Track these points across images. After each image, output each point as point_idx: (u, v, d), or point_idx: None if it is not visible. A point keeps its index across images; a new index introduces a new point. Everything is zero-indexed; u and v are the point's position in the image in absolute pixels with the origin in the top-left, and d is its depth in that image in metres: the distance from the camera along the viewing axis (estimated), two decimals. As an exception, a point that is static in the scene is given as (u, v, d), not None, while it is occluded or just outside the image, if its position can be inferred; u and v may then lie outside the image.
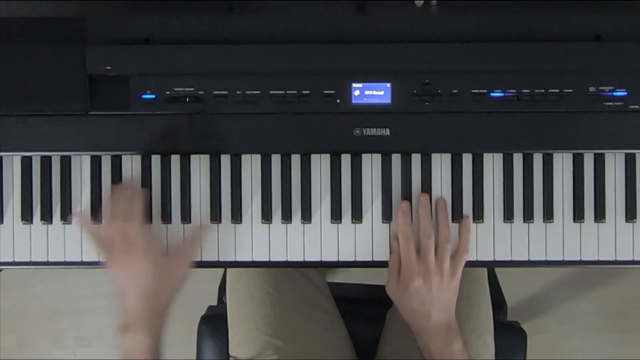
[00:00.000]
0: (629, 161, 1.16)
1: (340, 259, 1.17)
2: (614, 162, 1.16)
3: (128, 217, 1.09)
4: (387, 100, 1.13)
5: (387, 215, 1.16)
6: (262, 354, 1.23)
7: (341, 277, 1.89)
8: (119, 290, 1.09)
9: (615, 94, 1.13)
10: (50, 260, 1.17)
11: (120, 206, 1.10)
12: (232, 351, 1.27)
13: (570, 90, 1.13)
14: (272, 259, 1.17)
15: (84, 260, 1.17)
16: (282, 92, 1.13)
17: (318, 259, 1.17)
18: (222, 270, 1.41)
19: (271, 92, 1.13)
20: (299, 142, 1.14)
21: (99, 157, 1.16)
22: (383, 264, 1.16)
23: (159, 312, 1.10)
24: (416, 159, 1.16)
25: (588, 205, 1.16)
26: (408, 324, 1.15)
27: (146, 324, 1.08)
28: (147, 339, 1.08)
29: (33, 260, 1.17)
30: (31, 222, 1.17)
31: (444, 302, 1.12)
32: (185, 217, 1.16)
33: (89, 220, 1.14)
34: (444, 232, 1.13)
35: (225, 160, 1.16)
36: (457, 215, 1.16)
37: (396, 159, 1.16)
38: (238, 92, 1.13)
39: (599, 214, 1.16)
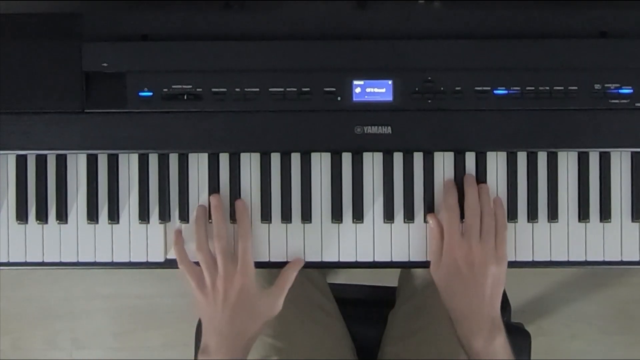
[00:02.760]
0: (635, 160, 1.15)
1: (341, 260, 1.16)
2: (620, 161, 1.15)
3: (241, 234, 1.11)
4: (389, 97, 1.12)
5: (388, 215, 1.15)
6: (263, 355, 1.22)
7: (342, 278, 1.89)
8: (209, 317, 1.09)
9: (621, 91, 1.12)
10: (45, 260, 1.16)
11: (222, 219, 1.11)
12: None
13: (576, 88, 1.12)
14: (271, 260, 1.16)
15: (80, 260, 1.16)
16: (282, 89, 1.12)
17: (318, 260, 1.16)
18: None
19: (271, 89, 1.12)
20: (299, 141, 1.14)
21: (96, 156, 1.15)
22: (384, 265, 1.16)
23: (245, 343, 1.10)
24: (418, 158, 1.15)
25: (593, 204, 1.15)
26: (449, 311, 1.11)
27: (228, 351, 1.08)
28: None
29: (28, 260, 1.16)
30: (26, 222, 1.16)
31: (488, 289, 1.08)
32: (184, 216, 1.15)
33: (182, 241, 1.14)
34: (489, 211, 1.11)
35: (224, 158, 1.15)
36: (461, 215, 1.14)
37: (398, 157, 1.15)
38: (237, 90, 1.12)
39: (605, 214, 1.15)
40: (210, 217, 1.13)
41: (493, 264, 1.08)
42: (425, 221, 1.15)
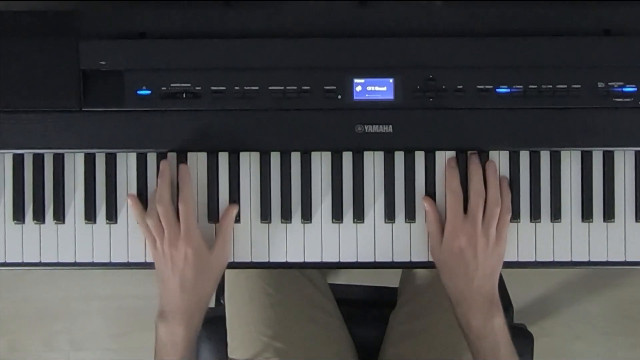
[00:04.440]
0: (639, 159, 1.14)
1: (342, 260, 1.15)
2: (624, 160, 1.15)
3: (182, 198, 1.10)
4: (390, 96, 1.12)
5: (389, 214, 1.14)
6: (263, 356, 1.22)
7: (343, 278, 1.89)
8: (162, 278, 1.10)
9: (625, 89, 1.12)
10: (42, 261, 1.16)
11: (166, 188, 1.10)
12: (231, 353, 1.26)
13: (579, 86, 1.11)
14: (271, 260, 1.15)
15: (78, 261, 1.16)
16: (282, 87, 1.12)
17: (319, 260, 1.15)
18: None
19: (270, 87, 1.12)
20: (299, 140, 1.13)
21: (93, 155, 1.15)
22: (385, 265, 1.15)
23: (198, 305, 1.11)
24: (420, 157, 1.15)
25: (597, 204, 1.15)
26: (448, 292, 1.12)
27: (184, 316, 1.08)
28: (183, 331, 1.08)
29: (25, 261, 1.16)
30: (23, 222, 1.15)
31: (488, 269, 1.09)
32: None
33: (140, 205, 1.14)
34: (494, 195, 1.10)
35: (223, 158, 1.15)
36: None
37: (399, 156, 1.15)
38: (236, 88, 1.12)
39: (608, 214, 1.14)
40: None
41: (494, 247, 1.09)
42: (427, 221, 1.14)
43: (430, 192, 1.14)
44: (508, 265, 1.15)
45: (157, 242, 1.09)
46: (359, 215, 1.14)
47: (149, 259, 1.13)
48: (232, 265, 1.15)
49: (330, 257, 1.15)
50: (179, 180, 1.12)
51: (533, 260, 1.15)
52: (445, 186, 1.13)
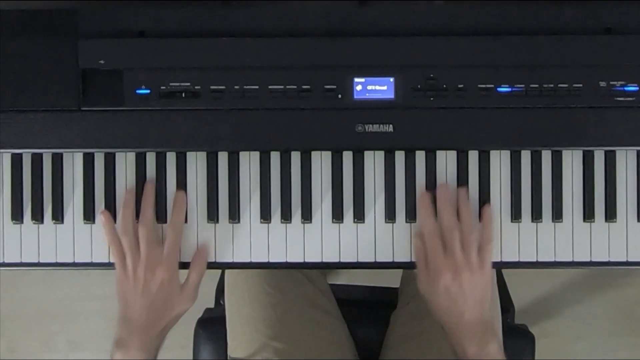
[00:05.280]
0: (641, 158, 1.14)
1: (342, 260, 1.15)
2: (626, 160, 1.15)
3: (173, 225, 1.10)
4: (390, 95, 1.11)
5: (390, 214, 1.14)
6: (262, 356, 1.22)
7: (343, 278, 1.89)
8: (126, 301, 1.09)
9: (626, 89, 1.11)
10: (41, 261, 1.15)
11: (151, 209, 1.11)
12: (231, 353, 1.26)
13: (580, 85, 1.11)
14: (271, 260, 1.15)
15: (76, 261, 1.15)
16: (282, 87, 1.11)
17: (319, 260, 1.15)
18: (220, 271, 1.40)
19: (270, 87, 1.11)
20: (299, 139, 1.13)
21: (92, 155, 1.15)
22: (386, 266, 1.15)
23: (159, 332, 1.10)
24: (420, 156, 1.14)
25: (598, 204, 1.14)
26: (441, 324, 1.12)
27: (145, 341, 1.08)
28: (141, 357, 1.07)
29: (23, 261, 1.16)
30: (21, 222, 1.15)
31: (477, 298, 1.09)
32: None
33: (112, 219, 1.13)
34: (468, 224, 1.10)
35: (223, 157, 1.15)
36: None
37: (400, 156, 1.14)
38: (236, 87, 1.11)
39: (610, 214, 1.14)
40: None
41: (478, 275, 1.09)
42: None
43: (431, 192, 1.13)
44: (509, 265, 1.15)
45: (127, 262, 1.09)
46: (359, 215, 1.14)
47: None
48: (232, 266, 1.15)
49: (331, 257, 1.15)
50: (174, 205, 1.12)
51: (534, 260, 1.15)
52: (421, 226, 1.12)
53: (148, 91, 1.11)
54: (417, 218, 1.14)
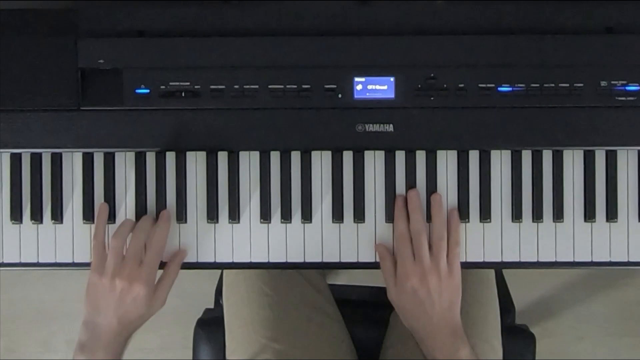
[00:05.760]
0: (642, 158, 1.14)
1: (342, 260, 1.15)
2: (627, 159, 1.14)
3: (156, 240, 1.09)
4: (391, 95, 1.11)
5: (390, 214, 1.14)
6: (261, 357, 1.21)
7: (343, 279, 1.89)
8: (96, 306, 1.08)
9: (627, 88, 1.11)
10: (40, 261, 1.15)
11: (146, 224, 1.10)
12: (230, 355, 1.26)
13: (581, 85, 1.11)
14: (271, 260, 1.15)
15: (75, 261, 1.15)
16: (282, 86, 1.11)
17: (319, 260, 1.15)
18: (219, 271, 1.39)
19: (270, 86, 1.11)
20: (299, 139, 1.13)
21: (91, 154, 1.14)
22: (386, 265, 1.14)
23: (125, 339, 1.10)
24: (421, 156, 1.14)
25: (599, 204, 1.14)
26: (411, 330, 1.13)
27: (112, 347, 1.08)
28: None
29: (23, 261, 1.15)
30: (20, 222, 1.15)
31: (445, 303, 1.09)
32: (181, 216, 1.14)
33: (106, 214, 1.13)
34: (438, 229, 1.11)
35: (223, 157, 1.14)
36: (463, 214, 1.14)
37: (400, 156, 1.14)
38: (236, 87, 1.11)
39: (611, 213, 1.14)
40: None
41: (447, 281, 1.09)
42: (428, 221, 1.13)
43: (431, 192, 1.13)
44: (510, 265, 1.15)
45: (107, 267, 1.08)
46: (359, 215, 1.14)
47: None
48: (231, 266, 1.15)
49: (331, 258, 1.15)
50: (159, 222, 1.12)
51: (535, 260, 1.14)
52: (393, 229, 1.13)
53: (147, 91, 1.11)
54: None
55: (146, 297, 1.07)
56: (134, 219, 1.14)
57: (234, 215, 1.14)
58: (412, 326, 1.12)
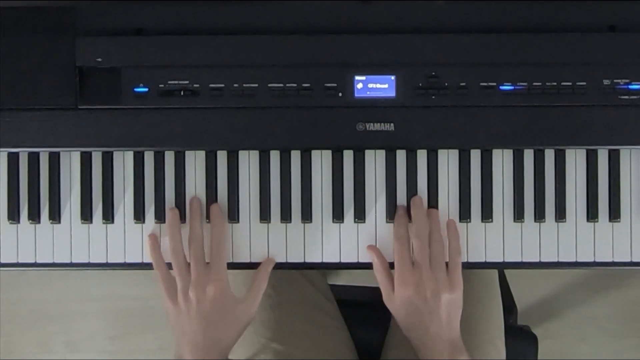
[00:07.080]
0: (645, 157, 1.14)
1: (343, 260, 1.14)
2: (630, 159, 1.14)
3: (215, 238, 1.09)
4: (392, 93, 1.11)
5: (391, 214, 1.13)
6: (261, 357, 1.22)
7: (343, 279, 1.88)
8: (182, 329, 1.08)
9: (630, 87, 1.10)
10: (38, 261, 1.15)
11: (199, 223, 1.11)
12: (231, 354, 1.24)
13: (584, 84, 1.10)
14: (271, 260, 1.14)
15: (74, 261, 1.15)
16: (282, 85, 1.11)
17: (319, 260, 1.14)
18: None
19: (270, 85, 1.11)
20: (299, 138, 1.12)
21: (89, 154, 1.14)
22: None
23: (219, 347, 1.09)
24: (422, 155, 1.14)
25: (602, 203, 1.14)
26: (408, 338, 1.12)
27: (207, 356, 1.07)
28: None
29: (20, 261, 1.15)
30: (18, 222, 1.14)
31: (444, 317, 1.08)
32: (180, 216, 1.13)
33: (158, 244, 1.12)
34: (437, 236, 1.10)
35: (222, 156, 1.14)
36: (464, 214, 1.13)
37: (401, 155, 1.14)
38: (235, 85, 1.11)
39: (614, 213, 1.13)
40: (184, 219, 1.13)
41: (446, 292, 1.07)
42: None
43: (433, 191, 1.13)
44: (512, 265, 1.14)
45: (178, 286, 1.07)
46: (360, 215, 1.13)
47: (146, 260, 1.13)
48: (232, 266, 1.14)
49: (331, 258, 1.14)
50: (212, 220, 1.11)
51: (537, 260, 1.14)
52: (393, 234, 1.11)
53: (146, 89, 1.11)
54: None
55: (223, 296, 1.06)
56: (133, 218, 1.13)
57: (234, 215, 1.13)
58: (408, 334, 1.11)
